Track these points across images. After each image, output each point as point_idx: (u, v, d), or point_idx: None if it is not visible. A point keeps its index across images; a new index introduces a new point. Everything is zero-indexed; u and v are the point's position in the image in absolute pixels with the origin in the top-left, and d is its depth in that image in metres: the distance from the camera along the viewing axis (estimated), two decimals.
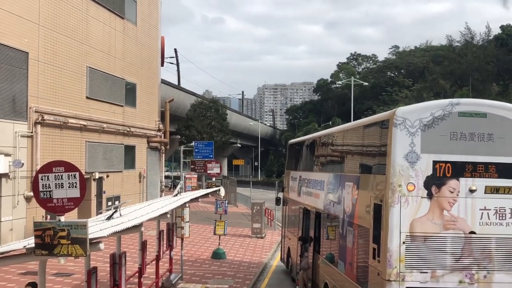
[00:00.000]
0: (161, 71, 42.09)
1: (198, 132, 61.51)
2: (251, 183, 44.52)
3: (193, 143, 57.58)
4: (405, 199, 8.45)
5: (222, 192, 21.55)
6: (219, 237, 20.89)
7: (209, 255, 20.84)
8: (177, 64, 71.82)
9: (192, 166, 56.67)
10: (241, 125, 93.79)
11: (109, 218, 7.99)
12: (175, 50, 72.37)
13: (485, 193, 8.52)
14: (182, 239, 16.20)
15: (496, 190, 8.55)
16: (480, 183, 8.52)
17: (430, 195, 8.47)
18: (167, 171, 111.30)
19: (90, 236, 6.03)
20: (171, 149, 70.34)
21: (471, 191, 8.49)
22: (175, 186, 58.29)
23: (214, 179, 40.05)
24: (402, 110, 8.65)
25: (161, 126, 38.54)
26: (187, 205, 15.66)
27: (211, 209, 42.13)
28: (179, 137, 64.04)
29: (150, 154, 37.08)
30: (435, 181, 8.47)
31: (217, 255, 20.42)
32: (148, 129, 35.82)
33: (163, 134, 40.42)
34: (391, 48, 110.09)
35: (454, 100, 8.67)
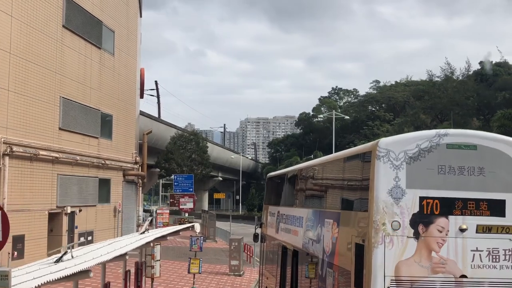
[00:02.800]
0: (141, 103, 41.40)
1: (178, 165, 60.59)
2: (230, 217, 43.43)
3: (172, 176, 56.64)
4: (389, 239, 7.67)
5: (198, 228, 20.65)
6: (193, 276, 19.80)
7: None
8: (158, 96, 71.23)
9: (171, 200, 55.61)
10: (223, 158, 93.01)
11: (58, 260, 7.08)
12: (156, 82, 71.92)
13: (476, 232, 7.78)
14: (152, 279, 15.17)
15: (488, 229, 7.81)
16: (471, 221, 7.79)
17: (417, 235, 7.70)
18: (146, 205, 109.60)
19: None
20: (150, 182, 69.19)
21: (462, 230, 7.75)
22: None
23: (186, 214, 38.53)
24: (385, 141, 7.94)
25: (138, 158, 37.56)
26: (155, 243, 14.71)
27: (189, 245, 41.05)
28: (159, 170, 63.00)
29: (126, 187, 35.99)
30: (422, 219, 7.72)
31: None
32: (124, 162, 34.82)
33: (140, 167, 39.39)
34: (372, 83, 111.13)
35: (442, 131, 7.99)
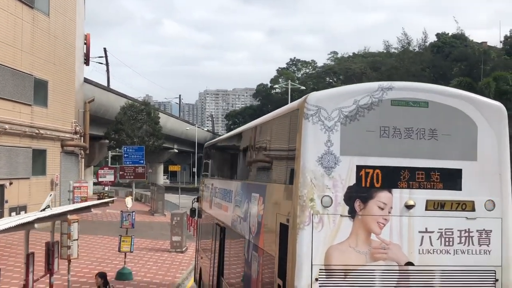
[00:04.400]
0: (92, 72, 39.10)
1: (128, 136, 58.25)
2: (179, 189, 41.65)
3: (122, 148, 54.40)
4: (318, 219, 6.10)
5: (129, 203, 18.88)
6: (125, 255, 18.07)
7: (114, 276, 17.99)
8: (107, 64, 68.22)
9: (121, 173, 53.47)
10: (178, 129, 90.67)
11: None
12: (105, 50, 68.78)
13: (426, 209, 6.29)
14: (69, 261, 13.36)
15: (440, 205, 6.33)
16: (419, 196, 6.29)
17: (352, 213, 6.16)
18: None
19: None
20: (100, 155, 66.63)
21: (408, 207, 6.24)
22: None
23: (106, 188, 35.21)
24: (315, 97, 6.30)
25: (78, 128, 35.22)
26: (72, 220, 12.89)
27: (137, 219, 39.13)
28: (108, 141, 60.50)
29: (66, 159, 33.73)
30: (359, 194, 6.17)
31: (122, 275, 17.62)
32: (62, 132, 32.50)
33: (82, 138, 37.09)
34: (329, 54, 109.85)
35: (386, 83, 6.39)
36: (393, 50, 75.92)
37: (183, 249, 24.01)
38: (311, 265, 6.02)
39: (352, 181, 6.17)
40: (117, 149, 64.42)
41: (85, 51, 46.03)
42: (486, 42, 77.19)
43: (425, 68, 63.37)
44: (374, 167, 6.22)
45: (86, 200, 27.37)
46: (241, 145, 10.05)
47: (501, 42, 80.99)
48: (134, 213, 18.66)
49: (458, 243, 6.32)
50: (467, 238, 6.35)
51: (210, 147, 15.64)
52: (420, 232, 6.26)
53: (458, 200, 6.35)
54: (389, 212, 6.21)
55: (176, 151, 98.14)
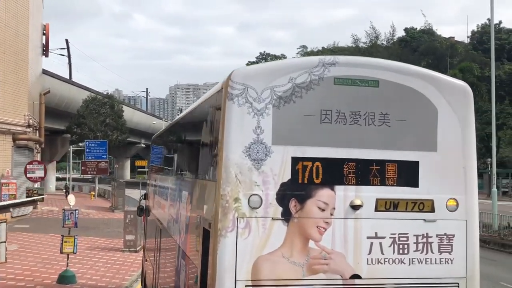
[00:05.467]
0: (52, 64, 37.57)
1: (90, 130, 56.35)
2: (140, 184, 40.16)
3: (84, 143, 52.67)
4: (245, 223, 4.97)
5: (71, 200, 17.50)
6: (67, 257, 16.69)
7: (56, 279, 16.60)
8: (69, 56, 65.98)
9: (82, 168, 51.76)
10: (145, 124, 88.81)
11: None
12: (66, 41, 66.45)
13: (376, 210, 5.22)
14: None
15: (394, 205, 5.26)
16: (368, 194, 5.21)
17: (287, 216, 5.04)
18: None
19: None
20: (63, 149, 64.62)
21: (354, 207, 5.16)
22: (67, 191, 52.98)
23: (36, 185, 32.88)
24: (241, 73, 5.13)
25: (32, 121, 33.47)
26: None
27: (96, 216, 37.66)
28: (70, 135, 58.58)
29: (18, 153, 31.98)
30: (295, 192, 5.06)
31: (64, 278, 16.22)
32: (13, 125, 30.73)
33: (38, 131, 35.35)
34: (299, 48, 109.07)
35: (328, 58, 5.26)
36: (362, 45, 75.42)
37: (137, 249, 22.67)
38: (235, 280, 4.90)
39: (287, 176, 5.05)
40: (80, 144, 62.46)
41: (44, 42, 44.20)
42: (453, 37, 77.47)
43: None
44: (313, 159, 5.10)
45: (15, 198, 25.42)
46: (174, 136, 8.89)
47: (468, 37, 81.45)
48: (77, 211, 17.23)
49: (415, 251, 5.26)
50: (425, 244, 5.29)
51: (154, 139, 14.40)
52: (368, 238, 5.18)
53: (414, 199, 5.28)
54: (332, 214, 5.12)
55: (144, 145, 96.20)
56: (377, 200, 5.21)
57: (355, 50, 74.55)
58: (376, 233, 5.19)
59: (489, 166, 49.35)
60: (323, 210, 5.09)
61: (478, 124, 60.95)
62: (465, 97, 5.51)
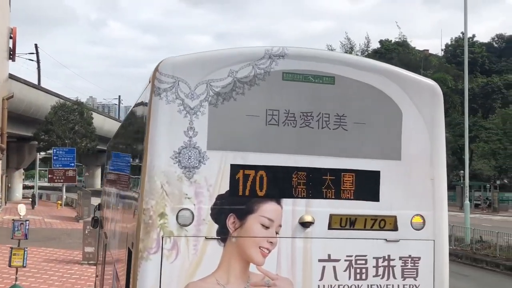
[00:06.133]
0: (14, 67, 36.20)
1: (58, 138, 54.90)
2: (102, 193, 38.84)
3: (52, 150, 51.29)
4: (172, 244, 4.15)
5: (22, 210, 16.41)
6: (16, 271, 15.58)
7: None
8: (38, 61, 64.35)
9: (50, 176, 50.42)
10: None
11: None
12: (36, 46, 64.84)
13: (330, 228, 4.45)
14: None
15: (350, 222, 4.50)
16: (321, 209, 4.44)
17: (224, 235, 4.24)
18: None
19: None
20: (31, 157, 62.97)
21: (304, 224, 4.39)
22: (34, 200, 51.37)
23: None
24: (171, 63, 4.33)
25: None
26: None
27: (59, 226, 36.33)
28: (37, 143, 57.04)
29: None
30: (234, 206, 4.27)
31: None
32: None
33: (0, 138, 34.04)
34: None
35: (276, 49, 4.48)
36: None
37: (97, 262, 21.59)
38: None
39: (225, 187, 4.26)
40: (47, 151, 60.89)
41: (11, 46, 42.90)
42: (428, 50, 77.93)
43: None
44: (256, 168, 4.32)
45: None
46: (116, 142, 8.05)
47: (442, 50, 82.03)
48: (28, 222, 16.15)
49: (374, 276, 4.50)
50: (387, 268, 4.53)
51: (109, 146, 13.49)
52: (320, 260, 4.40)
53: (374, 215, 4.53)
54: (277, 233, 4.33)
55: None
56: (331, 216, 4.44)
57: None
58: (329, 255, 4.42)
59: (461, 178, 49.28)
60: (267, 227, 4.30)
61: (451, 136, 61.15)
62: (434, 98, 4.80)
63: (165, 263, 4.11)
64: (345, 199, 4.48)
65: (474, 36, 76.83)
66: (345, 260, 4.44)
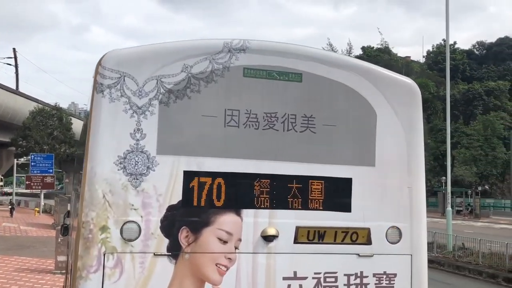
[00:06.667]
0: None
1: (36, 143, 53.94)
2: None
3: (30, 156, 50.38)
4: (115, 261, 3.65)
5: None
6: None
7: None
8: (16, 66, 63.25)
9: (27, 182, 49.54)
10: None
11: None
12: (14, 50, 63.75)
13: (296, 242, 3.99)
14: None
15: (319, 236, 4.04)
16: (286, 220, 3.98)
17: (175, 251, 3.76)
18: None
19: None
20: (9, 163, 61.85)
21: (267, 238, 3.91)
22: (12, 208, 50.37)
23: None
24: (116, 56, 3.84)
25: None
26: None
27: (35, 233, 35.41)
28: (14, 148, 55.99)
29: None
30: (188, 218, 3.78)
31: None
32: None
33: None
34: None
35: (236, 42, 4.02)
36: None
37: None
38: None
39: (177, 197, 3.77)
40: (26, 157, 59.86)
41: None
42: (409, 57, 78.23)
43: None
44: (214, 175, 3.84)
45: None
46: (77, 147, 7.52)
47: (423, 57, 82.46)
48: None
49: None
50: (359, 286, 4.07)
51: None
52: (285, 278, 3.93)
53: (345, 228, 4.07)
54: (236, 248, 3.85)
55: None
56: (298, 229, 3.97)
57: None
58: (295, 273, 3.95)
59: (443, 184, 49.16)
60: (225, 242, 3.83)
61: (433, 142, 61.29)
62: (412, 98, 4.37)
63: (107, 283, 3.61)
64: (313, 209, 4.02)
65: (455, 43, 77.42)
66: (313, 278, 3.98)
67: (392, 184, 4.18)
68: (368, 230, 4.11)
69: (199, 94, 3.85)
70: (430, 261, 22.80)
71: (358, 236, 4.09)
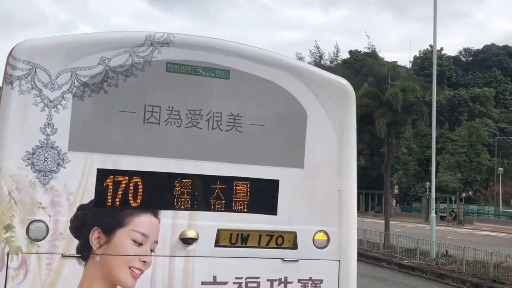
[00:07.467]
0: None
1: None
2: None
3: None
4: (19, 262, 3.48)
5: None
6: None
7: None
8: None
9: None
10: None
11: None
12: None
13: (217, 245, 3.82)
14: None
15: (242, 239, 3.88)
16: (207, 223, 3.81)
17: (86, 252, 3.58)
18: None
19: None
20: None
21: (186, 241, 3.75)
22: None
23: None
24: (28, 46, 3.66)
25: None
26: None
27: None
28: None
29: None
30: (100, 219, 3.61)
31: None
32: None
33: None
34: None
35: (159, 35, 3.85)
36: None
37: None
38: None
39: (89, 196, 3.59)
40: None
41: None
42: (396, 62, 78.45)
43: None
44: (130, 174, 3.67)
45: None
46: None
47: (410, 62, 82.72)
48: None
49: None
50: None
51: None
52: (204, 283, 3.77)
53: (270, 231, 3.91)
54: (152, 250, 3.68)
55: None
56: (219, 232, 3.81)
57: None
58: (214, 277, 3.78)
59: (427, 190, 49.19)
60: (140, 244, 3.65)
61: (418, 147, 61.37)
62: (345, 98, 4.21)
63: (10, 285, 3.43)
64: (237, 211, 3.86)
65: (442, 49, 77.68)
66: (234, 283, 3.81)
67: (321, 187, 4.03)
68: (295, 234, 3.95)
69: (117, 89, 3.68)
70: (412, 268, 22.03)
71: (284, 240, 3.93)
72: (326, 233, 4.01)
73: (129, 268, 3.62)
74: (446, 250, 23.73)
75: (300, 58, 75.24)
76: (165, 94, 3.77)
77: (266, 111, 3.98)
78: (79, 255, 3.55)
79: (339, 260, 4.04)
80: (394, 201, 52.99)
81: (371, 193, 59.37)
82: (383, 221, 30.23)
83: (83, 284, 3.54)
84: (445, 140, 61.84)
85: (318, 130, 4.05)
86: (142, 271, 3.64)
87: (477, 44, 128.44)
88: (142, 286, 3.62)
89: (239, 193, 3.87)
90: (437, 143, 39.69)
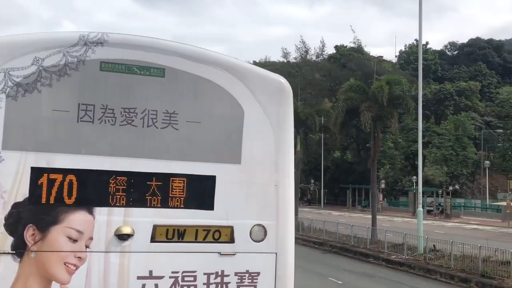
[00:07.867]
0: None
1: None
2: None
3: None
4: None
5: None
6: None
7: None
8: None
9: None
10: None
11: None
12: None
13: (153, 241, 3.90)
14: None
15: (179, 234, 3.96)
16: (143, 219, 3.89)
17: (20, 248, 3.65)
18: None
19: None
20: None
21: (122, 236, 3.83)
22: None
23: None
24: None
25: None
26: None
27: None
28: None
29: None
30: (35, 216, 3.68)
31: None
32: None
33: None
34: None
35: (94, 35, 3.91)
36: (293, 60, 75.55)
37: None
38: None
39: (23, 194, 3.66)
40: None
41: None
42: (382, 56, 78.81)
43: (322, 77, 63.12)
44: (65, 172, 3.73)
45: None
46: None
47: (396, 56, 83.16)
48: None
49: None
50: (219, 285, 4.00)
51: None
52: (140, 278, 3.84)
53: (207, 226, 3.99)
54: (87, 246, 3.75)
55: None
56: (155, 227, 3.88)
57: (286, 65, 74.48)
58: (150, 272, 3.86)
59: (414, 184, 49.46)
60: (75, 240, 3.72)
61: (404, 141, 61.66)
62: (281, 95, 4.30)
63: None
64: (174, 207, 3.93)
65: (427, 43, 78.11)
66: (170, 277, 3.88)
67: (258, 182, 4.12)
68: (232, 228, 4.03)
69: (50, 88, 3.74)
70: (400, 264, 21.87)
71: (221, 235, 4.01)
72: (263, 226, 4.10)
73: (64, 264, 3.69)
74: (433, 245, 23.38)
75: (286, 54, 75.41)
76: (99, 93, 3.84)
77: (203, 108, 4.05)
78: (14, 252, 3.61)
79: (276, 253, 4.13)
80: (381, 196, 53.23)
81: (358, 187, 59.62)
82: (370, 216, 30.22)
83: (18, 280, 3.61)
84: (431, 134, 62.17)
85: (255, 126, 4.13)
86: (77, 267, 3.71)
87: (462, 38, 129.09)
88: (77, 281, 3.69)
89: (176, 189, 3.94)
90: (423, 137, 39.83)
